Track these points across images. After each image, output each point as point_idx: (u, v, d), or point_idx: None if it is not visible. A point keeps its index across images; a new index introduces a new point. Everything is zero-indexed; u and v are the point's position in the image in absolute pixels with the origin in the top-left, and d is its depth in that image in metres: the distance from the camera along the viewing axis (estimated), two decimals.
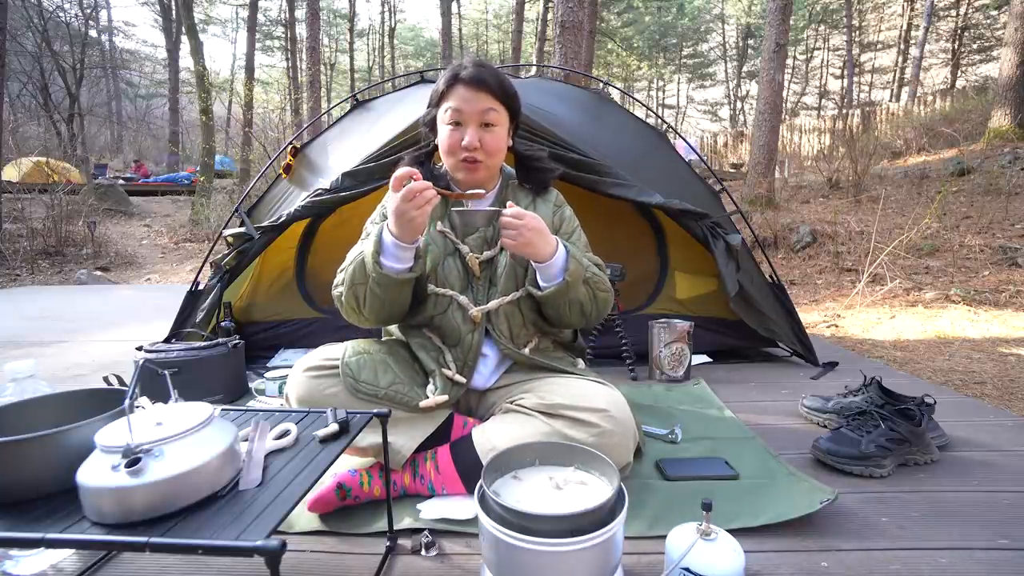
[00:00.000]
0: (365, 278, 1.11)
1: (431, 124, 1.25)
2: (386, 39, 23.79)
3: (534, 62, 13.54)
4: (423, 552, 0.99)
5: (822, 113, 17.83)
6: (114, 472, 0.62)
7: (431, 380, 1.19)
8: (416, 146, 1.34)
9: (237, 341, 1.87)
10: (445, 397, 1.15)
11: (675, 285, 2.39)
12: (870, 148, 7.23)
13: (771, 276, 2.21)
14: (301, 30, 12.24)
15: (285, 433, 0.85)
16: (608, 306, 1.25)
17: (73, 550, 0.96)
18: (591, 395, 1.11)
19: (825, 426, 1.57)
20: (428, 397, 1.15)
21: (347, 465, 1.15)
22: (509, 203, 1.13)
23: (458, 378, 1.19)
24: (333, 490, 1.08)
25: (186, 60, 14.66)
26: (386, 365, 1.17)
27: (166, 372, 0.88)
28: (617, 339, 2.07)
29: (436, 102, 1.21)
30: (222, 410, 0.94)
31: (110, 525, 0.62)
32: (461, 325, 1.22)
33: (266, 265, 2.35)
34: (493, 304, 1.21)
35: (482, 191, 1.21)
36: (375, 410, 0.94)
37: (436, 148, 1.26)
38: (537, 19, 15.46)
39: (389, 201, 1.11)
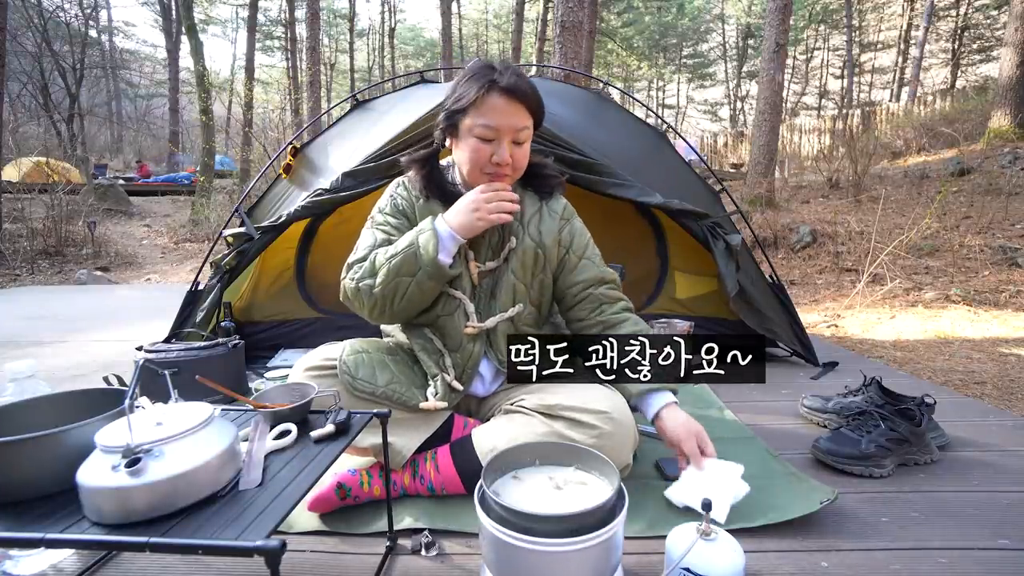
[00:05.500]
0: (415, 270, 1.07)
1: (451, 128, 1.14)
2: (386, 39, 23.75)
3: (534, 62, 13.54)
4: (423, 552, 0.99)
5: (822, 113, 17.85)
6: (114, 472, 0.62)
7: (432, 383, 1.18)
8: (416, 146, 1.31)
9: (237, 341, 1.87)
10: (444, 404, 1.14)
11: (675, 285, 2.39)
12: (870, 148, 7.22)
13: (771, 276, 2.21)
14: (301, 30, 12.22)
15: (285, 433, 0.85)
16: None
17: (73, 550, 0.96)
18: (592, 397, 1.11)
19: (825, 426, 1.57)
20: (428, 399, 1.14)
21: (347, 465, 1.15)
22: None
23: (456, 385, 1.18)
24: (333, 490, 1.08)
25: (186, 60, 14.67)
26: (384, 364, 1.16)
27: (166, 372, 0.88)
28: None
29: (464, 108, 1.09)
30: (222, 410, 0.94)
31: (110, 525, 0.62)
32: (462, 332, 1.20)
33: (266, 265, 2.35)
34: (490, 323, 1.19)
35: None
36: (375, 410, 0.94)
37: (440, 147, 1.22)
38: (537, 19, 15.47)
39: (472, 192, 1.10)
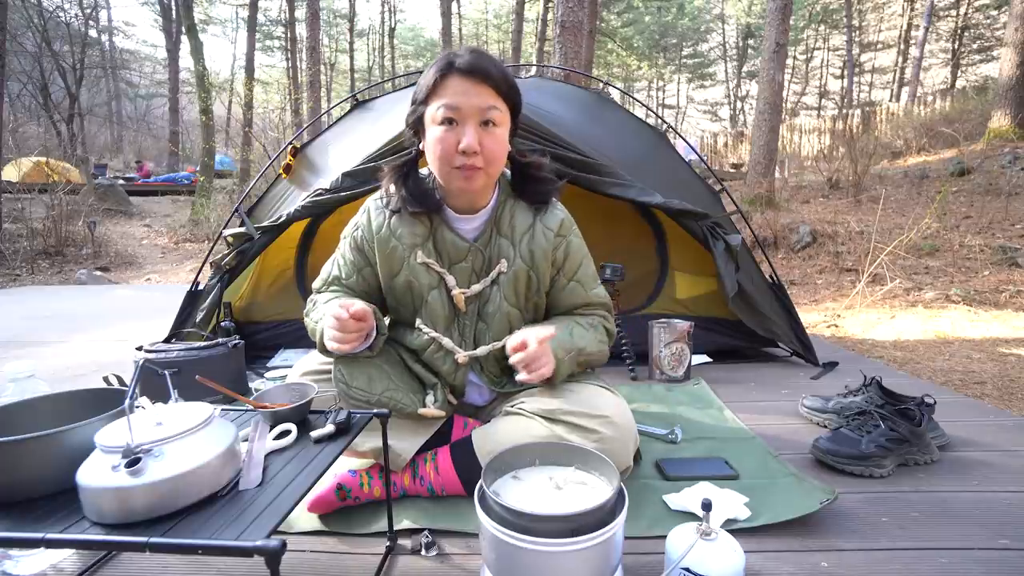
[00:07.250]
0: (323, 348, 1.09)
1: (417, 125, 1.08)
2: (386, 39, 23.77)
3: (534, 62, 13.54)
4: (423, 552, 0.99)
5: (822, 113, 17.87)
6: (114, 472, 0.62)
7: (431, 391, 1.17)
8: (398, 154, 1.22)
9: (237, 341, 1.87)
10: (442, 413, 1.14)
11: (675, 285, 2.39)
12: (870, 148, 7.23)
13: (771, 276, 2.21)
14: (301, 30, 12.22)
15: (285, 433, 0.85)
16: (607, 349, 1.21)
17: (73, 550, 0.96)
18: (593, 400, 1.09)
19: (825, 426, 1.57)
20: (426, 405, 1.13)
21: (347, 466, 1.15)
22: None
23: (451, 399, 1.18)
24: (333, 491, 1.08)
25: (186, 60, 14.67)
26: (380, 370, 1.12)
27: (166, 372, 0.88)
28: (617, 339, 2.07)
29: (424, 98, 1.03)
30: (222, 410, 0.95)
31: (110, 525, 0.62)
32: (443, 366, 1.17)
33: (266, 265, 2.35)
34: (483, 351, 1.16)
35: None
36: (375, 410, 0.94)
37: (420, 154, 1.13)
38: (537, 19, 15.44)
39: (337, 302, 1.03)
